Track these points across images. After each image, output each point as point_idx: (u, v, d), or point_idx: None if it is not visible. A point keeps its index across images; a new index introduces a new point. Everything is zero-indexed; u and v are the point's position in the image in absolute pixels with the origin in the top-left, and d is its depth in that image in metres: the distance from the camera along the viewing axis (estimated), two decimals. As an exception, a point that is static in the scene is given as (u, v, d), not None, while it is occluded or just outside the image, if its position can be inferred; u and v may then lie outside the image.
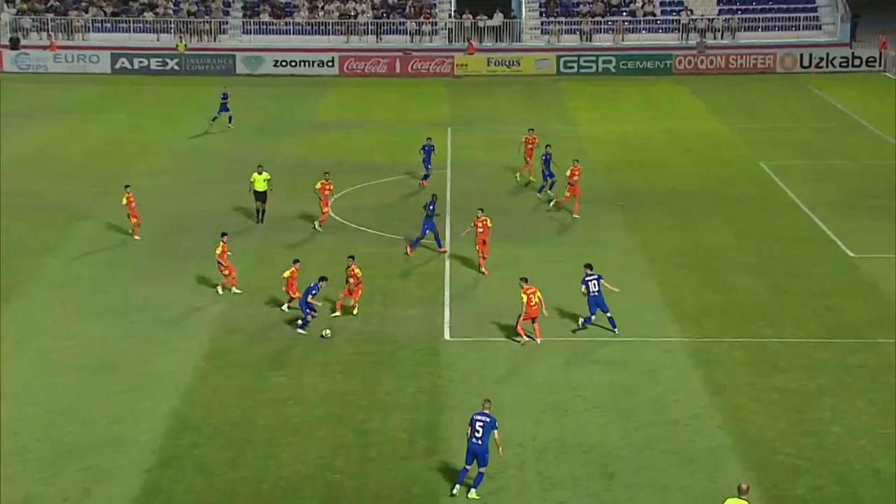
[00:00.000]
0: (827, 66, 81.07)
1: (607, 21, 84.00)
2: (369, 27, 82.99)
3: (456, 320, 35.48)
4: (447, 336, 34.28)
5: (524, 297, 33.29)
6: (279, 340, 33.66)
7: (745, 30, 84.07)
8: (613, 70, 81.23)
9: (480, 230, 39.55)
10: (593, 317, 34.64)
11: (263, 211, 45.08)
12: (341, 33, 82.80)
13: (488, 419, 24.84)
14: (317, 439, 27.65)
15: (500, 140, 58.50)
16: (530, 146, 50.51)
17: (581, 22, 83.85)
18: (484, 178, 51.86)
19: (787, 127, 63.94)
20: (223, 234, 37.78)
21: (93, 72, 79.23)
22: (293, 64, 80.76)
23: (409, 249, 41.70)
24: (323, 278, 34.43)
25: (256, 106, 68.22)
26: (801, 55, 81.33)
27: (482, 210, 40.02)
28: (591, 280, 34.59)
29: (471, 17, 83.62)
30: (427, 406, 29.49)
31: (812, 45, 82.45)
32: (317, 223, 44.19)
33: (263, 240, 43.23)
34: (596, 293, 34.46)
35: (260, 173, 44.62)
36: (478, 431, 24.78)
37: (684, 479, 26.03)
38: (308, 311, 33.79)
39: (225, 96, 60.85)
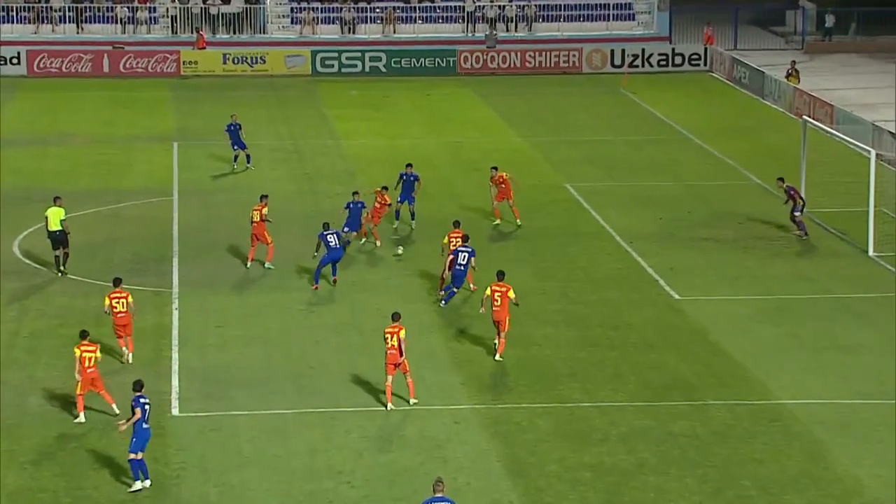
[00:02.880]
0: (643, 65, 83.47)
1: (374, 8, 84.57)
2: (67, 14, 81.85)
3: (187, 389, 35.13)
4: (175, 411, 33.86)
5: (386, 336, 34.03)
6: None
7: (544, 20, 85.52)
8: (384, 69, 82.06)
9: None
10: (456, 290, 39.41)
11: (66, 255, 43.85)
12: (29, 21, 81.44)
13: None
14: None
15: (242, 159, 58.20)
16: (503, 186, 49.56)
17: (342, 9, 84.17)
18: (221, 206, 51.56)
19: (596, 140, 65.50)
20: None
21: None
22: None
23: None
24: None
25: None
26: (612, 52, 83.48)
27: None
28: (462, 252, 40.08)
29: (200, 1, 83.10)
30: (151, 504, 29.16)
31: (625, 39, 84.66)
32: None
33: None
34: (462, 267, 39.94)
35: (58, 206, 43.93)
36: None
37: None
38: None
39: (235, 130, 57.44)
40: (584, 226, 50.36)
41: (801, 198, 48.54)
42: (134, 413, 29.40)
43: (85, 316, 39.60)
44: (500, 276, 37.86)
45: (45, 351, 37.81)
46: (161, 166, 57.65)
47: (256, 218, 44.07)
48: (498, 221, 49.91)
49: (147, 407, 29.60)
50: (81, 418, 32.94)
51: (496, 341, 37.56)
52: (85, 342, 33.34)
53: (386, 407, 34.15)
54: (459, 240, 41.75)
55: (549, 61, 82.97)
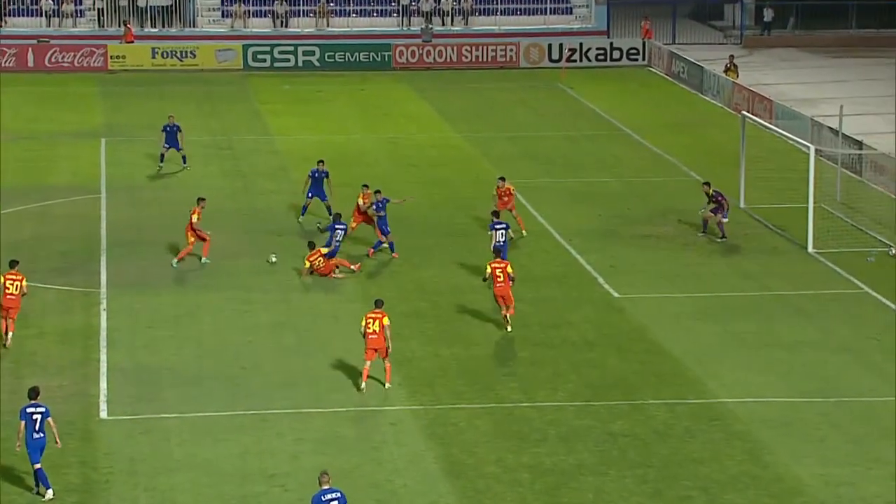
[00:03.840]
0: (581, 60, 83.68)
1: (307, 1, 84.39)
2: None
3: (116, 392, 34.87)
4: (104, 414, 33.60)
5: (363, 322, 34.82)
6: None
7: (480, 14, 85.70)
8: (317, 63, 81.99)
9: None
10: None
11: None
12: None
13: (339, 494, 25.61)
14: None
15: (171, 156, 57.84)
16: (506, 199, 48.72)
17: (273, 2, 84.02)
18: (151, 204, 51.37)
19: (534, 136, 65.61)
20: None
21: None
22: None
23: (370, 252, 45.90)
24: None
25: None
26: (550, 46, 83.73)
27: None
28: (499, 228, 43.51)
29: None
30: (78, 510, 28.92)
31: (562, 33, 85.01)
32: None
33: None
34: (501, 243, 42.86)
35: None
36: None
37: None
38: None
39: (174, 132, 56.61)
40: (524, 223, 50.28)
41: (727, 200, 48.47)
42: (20, 426, 29.09)
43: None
44: (497, 253, 41.12)
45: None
46: (88, 163, 57.28)
47: (194, 219, 43.92)
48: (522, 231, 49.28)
49: (36, 417, 29.10)
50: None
51: (506, 315, 39.28)
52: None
53: (359, 388, 34.92)
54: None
55: (486, 56, 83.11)
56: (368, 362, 34.95)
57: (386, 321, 34.89)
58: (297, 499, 29.35)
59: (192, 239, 44.06)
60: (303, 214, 49.47)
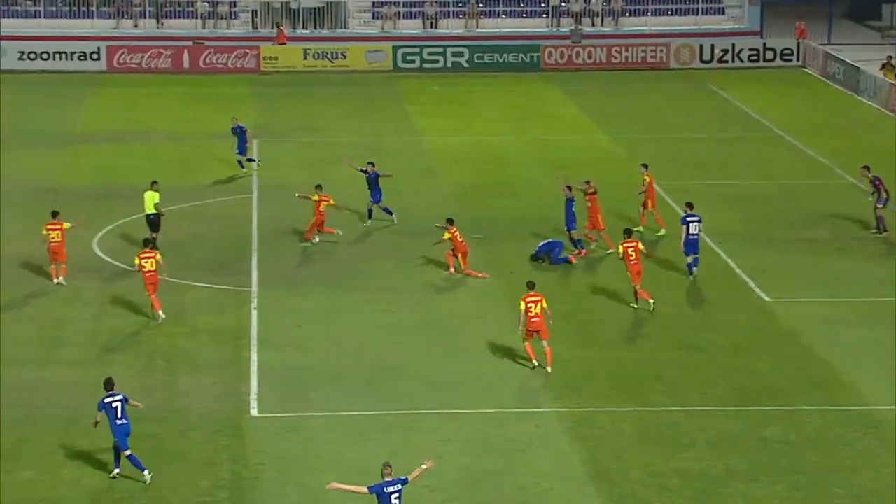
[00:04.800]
0: (733, 61, 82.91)
1: (457, 2, 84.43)
2: (147, 8, 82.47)
3: (266, 390, 35.22)
4: (254, 412, 33.95)
5: (522, 305, 35.58)
6: None
7: (630, 14, 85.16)
8: (466, 65, 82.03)
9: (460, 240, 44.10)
10: (691, 258, 43.43)
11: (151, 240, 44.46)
12: (110, 16, 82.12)
13: (401, 485, 25.89)
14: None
15: (322, 156, 58.39)
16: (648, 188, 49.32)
17: (424, 3, 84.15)
18: (301, 204, 51.75)
19: (685, 138, 65.17)
20: None
21: None
22: (45, 56, 79.86)
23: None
24: None
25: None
26: (701, 47, 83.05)
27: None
28: (692, 221, 43.25)
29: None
30: (228, 507, 29.28)
31: (714, 33, 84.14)
32: None
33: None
34: (695, 235, 43.25)
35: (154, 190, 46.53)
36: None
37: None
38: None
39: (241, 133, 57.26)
40: (672, 226, 49.87)
41: (886, 190, 47.80)
42: (98, 416, 30.11)
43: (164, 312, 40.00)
44: (628, 233, 42.02)
45: (124, 349, 38.10)
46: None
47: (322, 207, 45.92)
48: (662, 231, 49.31)
49: (115, 405, 30.02)
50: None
51: (637, 288, 40.72)
52: (53, 221, 42.17)
53: (533, 366, 36.29)
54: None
55: (635, 56, 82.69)
56: (528, 342, 35.95)
57: (545, 304, 35.80)
58: (443, 499, 29.43)
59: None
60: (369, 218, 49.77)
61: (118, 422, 29.87)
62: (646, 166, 49.57)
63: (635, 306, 40.90)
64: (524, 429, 33.22)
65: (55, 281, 42.77)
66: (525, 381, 36.13)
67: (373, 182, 48.74)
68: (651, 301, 40.48)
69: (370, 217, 49.28)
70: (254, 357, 37.43)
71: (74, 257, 43.75)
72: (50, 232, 42.73)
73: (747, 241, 48.21)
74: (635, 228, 47.04)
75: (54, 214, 43.22)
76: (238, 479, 30.32)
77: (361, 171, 49.12)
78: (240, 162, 56.55)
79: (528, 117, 69.45)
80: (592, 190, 46.60)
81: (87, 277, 43.47)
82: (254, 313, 40.80)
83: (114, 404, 29.94)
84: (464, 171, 57.43)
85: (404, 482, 26.06)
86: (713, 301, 42.79)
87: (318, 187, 47.17)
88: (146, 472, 29.78)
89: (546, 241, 45.86)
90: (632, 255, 40.35)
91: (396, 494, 25.80)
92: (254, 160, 56.82)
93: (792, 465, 31.15)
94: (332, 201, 46.69)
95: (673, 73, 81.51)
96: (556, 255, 45.25)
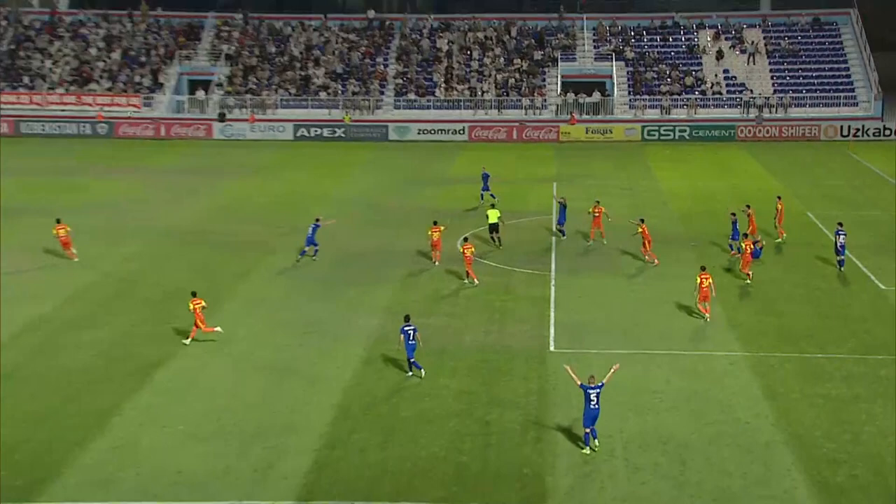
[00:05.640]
0: (862, 136, 79.04)
1: (683, 98, 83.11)
2: (493, 103, 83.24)
3: (559, 335, 35.14)
4: (552, 348, 33.94)
5: (697, 279, 35.71)
6: (418, 350, 33.60)
7: (795, 106, 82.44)
8: (687, 137, 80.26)
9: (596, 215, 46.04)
10: (840, 257, 41.69)
11: (497, 239, 46.28)
12: (470, 108, 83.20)
13: (599, 389, 26.05)
14: (448, 428, 27.58)
15: (596, 192, 57.87)
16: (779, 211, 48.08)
17: (661, 99, 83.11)
18: (584, 223, 51.49)
19: (828, 184, 62.44)
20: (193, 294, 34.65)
21: (280, 139, 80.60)
22: (433, 132, 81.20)
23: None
24: None
25: (404, 165, 68.70)
26: (841, 126, 79.50)
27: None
28: (841, 234, 41.81)
29: (573, 95, 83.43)
30: (536, 404, 29.19)
31: (850, 118, 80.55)
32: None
33: (381, 272, 43.35)
34: (842, 243, 41.70)
35: (493, 206, 48.46)
36: (592, 400, 25.90)
37: (745, 467, 25.42)
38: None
39: (486, 177, 56.87)
40: (819, 239, 47.85)
41: None
42: (400, 338, 30.90)
43: (497, 287, 40.16)
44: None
45: (478, 309, 38.13)
46: (546, 196, 57.97)
47: (435, 237, 43.50)
48: (780, 239, 47.58)
49: (409, 331, 30.66)
50: None
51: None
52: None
53: (705, 318, 35.71)
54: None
55: (797, 132, 79.78)
56: (702, 303, 35.91)
57: (711, 280, 35.94)
58: (670, 406, 28.96)
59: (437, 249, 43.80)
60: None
61: (410, 342, 30.69)
62: (779, 198, 48.46)
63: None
64: (721, 364, 32.43)
65: (436, 263, 43.20)
66: (723, 334, 35.12)
67: (562, 210, 48.15)
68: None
69: (563, 234, 48.09)
70: (552, 315, 37.35)
71: (448, 251, 44.47)
72: (433, 234, 43.23)
73: (870, 250, 45.74)
74: (776, 240, 46.24)
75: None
76: (542, 388, 30.40)
77: (559, 201, 48.95)
78: (482, 195, 55.78)
79: (726, 170, 67.60)
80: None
81: (452, 264, 43.98)
82: (552, 288, 40.72)
83: (408, 330, 30.74)
84: (684, 203, 56.30)
85: (601, 386, 26.15)
86: (845, 288, 40.85)
87: (598, 202, 47.54)
88: (422, 371, 30.84)
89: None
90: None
91: (596, 393, 25.92)
92: (493, 195, 55.79)
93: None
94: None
95: (822, 143, 78.24)
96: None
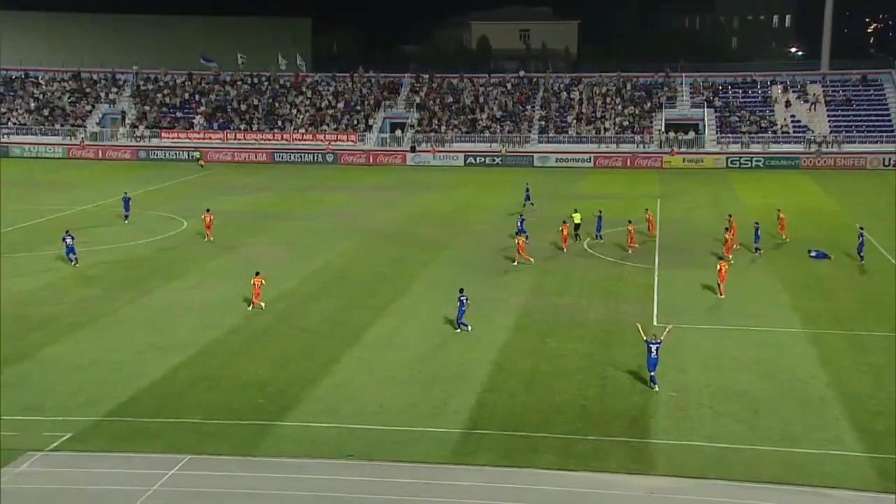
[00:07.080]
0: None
1: (759, 136, 79.96)
2: (612, 138, 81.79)
3: (660, 313, 34.24)
4: (655, 322, 33.06)
5: (718, 266, 35.86)
6: (552, 321, 33.33)
7: (846, 142, 78.46)
8: (762, 166, 77.22)
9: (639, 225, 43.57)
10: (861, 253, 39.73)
11: (578, 236, 45.52)
12: (595, 142, 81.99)
13: (658, 345, 25.62)
14: (575, 380, 27.33)
15: (691, 207, 56.28)
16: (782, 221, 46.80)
17: (742, 136, 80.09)
18: (684, 232, 49.99)
19: (874, 202, 58.94)
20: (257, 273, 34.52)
21: (454, 165, 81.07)
22: (567, 160, 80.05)
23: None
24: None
25: (545, 184, 67.73)
26: (884, 158, 75.43)
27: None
28: (862, 235, 39.85)
29: (674, 133, 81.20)
30: (643, 365, 28.59)
31: (890, 152, 76.26)
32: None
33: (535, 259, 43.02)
34: (862, 241, 39.67)
35: (576, 211, 47.01)
36: (652, 352, 25.65)
37: (802, 416, 24.38)
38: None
39: (527, 190, 57.58)
40: (867, 247, 45.02)
41: None
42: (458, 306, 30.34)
43: (609, 276, 39.33)
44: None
45: (597, 291, 37.33)
46: (651, 210, 56.53)
47: (565, 232, 43.17)
48: (785, 238, 45.76)
49: (463, 298, 30.28)
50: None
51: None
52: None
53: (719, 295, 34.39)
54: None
55: (849, 163, 75.91)
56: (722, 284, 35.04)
57: (727, 266, 35.33)
58: (744, 367, 27.89)
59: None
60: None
61: (462, 308, 30.39)
62: (779, 210, 46.98)
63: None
64: (785, 339, 31.08)
65: (565, 247, 42.79)
66: (788, 314, 33.55)
67: (599, 220, 46.26)
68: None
69: (601, 238, 46.08)
70: (655, 297, 36.46)
71: (575, 249, 43.90)
72: (563, 230, 42.97)
73: (907, 254, 42.98)
74: (777, 241, 44.47)
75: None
76: (646, 352, 29.61)
77: (598, 214, 46.89)
78: (524, 203, 55.71)
79: (792, 191, 64.56)
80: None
81: (582, 257, 43.10)
82: (655, 278, 39.68)
83: (462, 298, 30.48)
84: (756, 214, 53.61)
85: (659, 342, 25.74)
86: (883, 281, 38.35)
87: (730, 216, 45.44)
88: (468, 327, 30.35)
89: (817, 250, 42.60)
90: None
91: (655, 347, 25.52)
92: (533, 204, 55.18)
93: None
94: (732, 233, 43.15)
95: (869, 171, 74.10)
96: (818, 254, 42.24)
